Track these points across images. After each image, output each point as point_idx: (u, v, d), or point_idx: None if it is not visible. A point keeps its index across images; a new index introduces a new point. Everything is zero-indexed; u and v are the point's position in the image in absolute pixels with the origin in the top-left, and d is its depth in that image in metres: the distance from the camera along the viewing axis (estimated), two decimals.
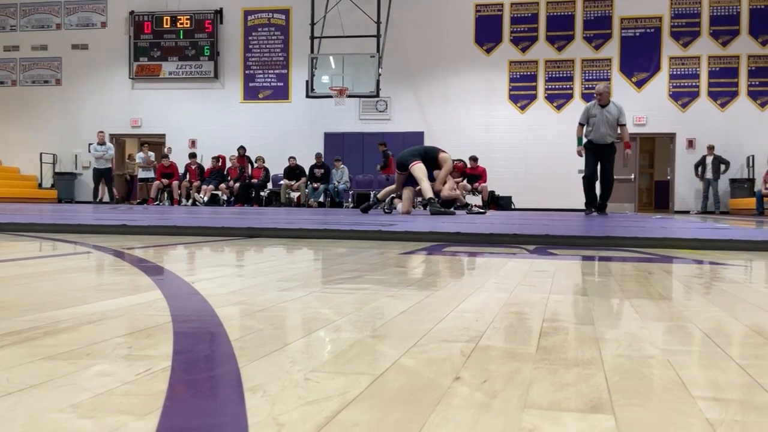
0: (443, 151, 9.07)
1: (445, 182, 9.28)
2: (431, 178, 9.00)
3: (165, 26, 20.12)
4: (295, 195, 17.69)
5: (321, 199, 17.45)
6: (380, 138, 18.82)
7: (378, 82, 16.14)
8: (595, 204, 10.45)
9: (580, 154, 10.47)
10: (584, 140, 10.36)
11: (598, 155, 10.27)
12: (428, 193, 8.52)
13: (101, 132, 18.26)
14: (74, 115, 20.59)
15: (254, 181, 17.76)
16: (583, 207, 10.76)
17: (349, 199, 17.76)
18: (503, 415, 0.69)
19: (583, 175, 10.49)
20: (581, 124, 10.40)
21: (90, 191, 18.74)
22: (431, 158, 8.89)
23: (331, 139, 19.25)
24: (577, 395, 0.76)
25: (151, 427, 0.64)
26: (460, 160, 10.01)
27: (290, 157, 17.72)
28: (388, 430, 0.64)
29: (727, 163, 16.97)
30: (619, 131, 10.35)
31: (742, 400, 0.76)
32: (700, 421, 0.68)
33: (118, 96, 20.45)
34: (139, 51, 20.25)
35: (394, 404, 0.72)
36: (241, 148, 18.28)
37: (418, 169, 8.64)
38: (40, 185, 20.34)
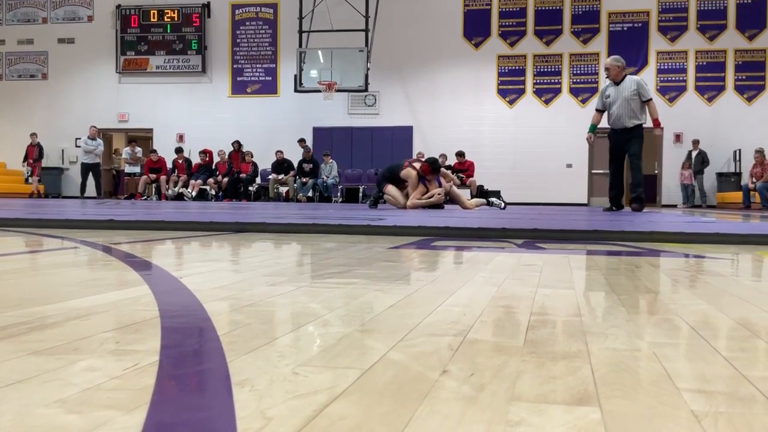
0: (406, 167, 9.55)
1: (424, 192, 9.37)
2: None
3: (152, 20, 20.01)
4: (283, 190, 17.66)
5: (310, 194, 17.42)
6: (369, 132, 18.84)
7: (366, 76, 16.11)
8: (616, 201, 9.18)
9: (588, 141, 9.48)
10: (597, 127, 9.32)
11: (618, 143, 9.00)
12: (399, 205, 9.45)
13: (93, 127, 18.18)
14: (61, 109, 20.46)
15: (243, 175, 17.71)
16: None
17: (338, 194, 17.74)
18: (490, 407, 0.69)
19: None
20: (597, 111, 9.30)
21: (77, 186, 18.64)
22: (396, 177, 9.58)
23: (319, 133, 19.22)
24: (563, 388, 0.77)
25: (138, 421, 0.64)
26: (422, 162, 9.55)
27: (277, 151, 17.67)
28: (376, 424, 0.64)
29: (707, 160, 17.13)
30: (644, 109, 8.94)
31: (727, 392, 0.76)
32: (685, 413, 0.69)
33: (104, 90, 20.34)
34: (126, 45, 20.14)
35: (382, 398, 0.72)
36: (236, 143, 18.18)
37: (390, 193, 9.57)
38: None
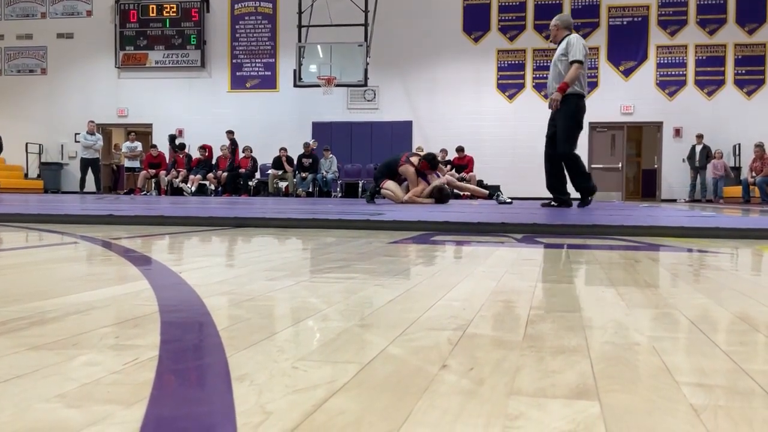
0: (403, 163, 9.46)
1: (423, 187, 9.36)
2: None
3: (151, 15, 19.99)
4: (283, 185, 17.66)
5: (309, 189, 17.43)
6: (368, 127, 18.83)
7: (366, 71, 16.09)
8: (559, 193, 7.47)
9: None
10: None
11: (551, 120, 7.48)
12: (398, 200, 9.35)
13: (92, 122, 18.18)
14: (60, 104, 20.45)
15: (242, 170, 17.71)
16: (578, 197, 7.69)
17: (338, 189, 17.75)
18: (489, 401, 0.70)
19: None
20: None
21: (76, 181, 18.67)
22: (394, 172, 9.53)
23: (319, 128, 19.21)
24: (563, 382, 0.77)
25: (138, 416, 0.64)
26: (420, 157, 9.45)
27: (281, 148, 17.65)
28: (375, 418, 0.64)
29: (711, 155, 17.13)
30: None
31: (726, 386, 0.76)
32: (684, 406, 0.69)
33: (104, 85, 20.32)
34: (125, 40, 20.12)
35: (381, 392, 0.72)
36: (230, 132, 18.22)
37: (389, 188, 9.51)
38: (26, 175, 20.21)
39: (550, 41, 7.86)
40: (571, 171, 7.32)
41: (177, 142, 18.13)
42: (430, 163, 9.28)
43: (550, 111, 7.45)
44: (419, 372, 0.80)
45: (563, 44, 7.31)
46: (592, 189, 7.42)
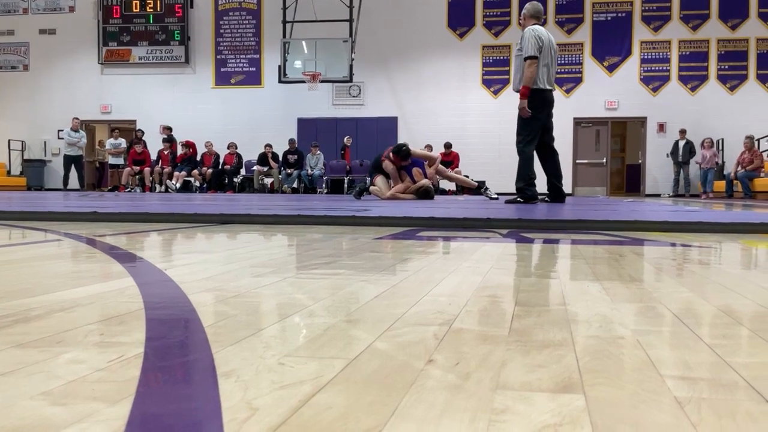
0: (383, 160, 9.56)
1: (407, 186, 9.40)
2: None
3: (134, 10, 19.85)
4: (268, 181, 17.61)
5: (294, 185, 17.40)
6: (354, 123, 18.81)
7: (351, 67, 16.07)
8: (552, 191, 7.77)
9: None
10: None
11: None
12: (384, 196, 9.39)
13: (76, 118, 18.07)
14: (43, 101, 20.28)
15: (227, 167, 17.65)
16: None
17: (323, 185, 17.72)
18: (475, 396, 0.70)
19: None
20: None
21: (59, 178, 18.53)
22: (381, 169, 9.63)
23: (304, 124, 19.16)
24: (548, 376, 0.77)
25: (123, 413, 0.63)
26: (394, 151, 9.44)
27: (266, 145, 17.60)
28: (362, 413, 0.64)
29: (694, 150, 17.21)
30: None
31: (710, 379, 0.77)
32: (668, 399, 0.69)
33: (87, 82, 20.17)
34: (108, 35, 19.97)
35: (368, 387, 0.72)
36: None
37: (376, 184, 9.64)
38: (8, 173, 20.04)
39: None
40: (518, 167, 7.35)
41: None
42: (399, 155, 9.30)
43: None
44: (405, 367, 0.81)
45: (520, 37, 7.18)
46: (527, 194, 7.35)
